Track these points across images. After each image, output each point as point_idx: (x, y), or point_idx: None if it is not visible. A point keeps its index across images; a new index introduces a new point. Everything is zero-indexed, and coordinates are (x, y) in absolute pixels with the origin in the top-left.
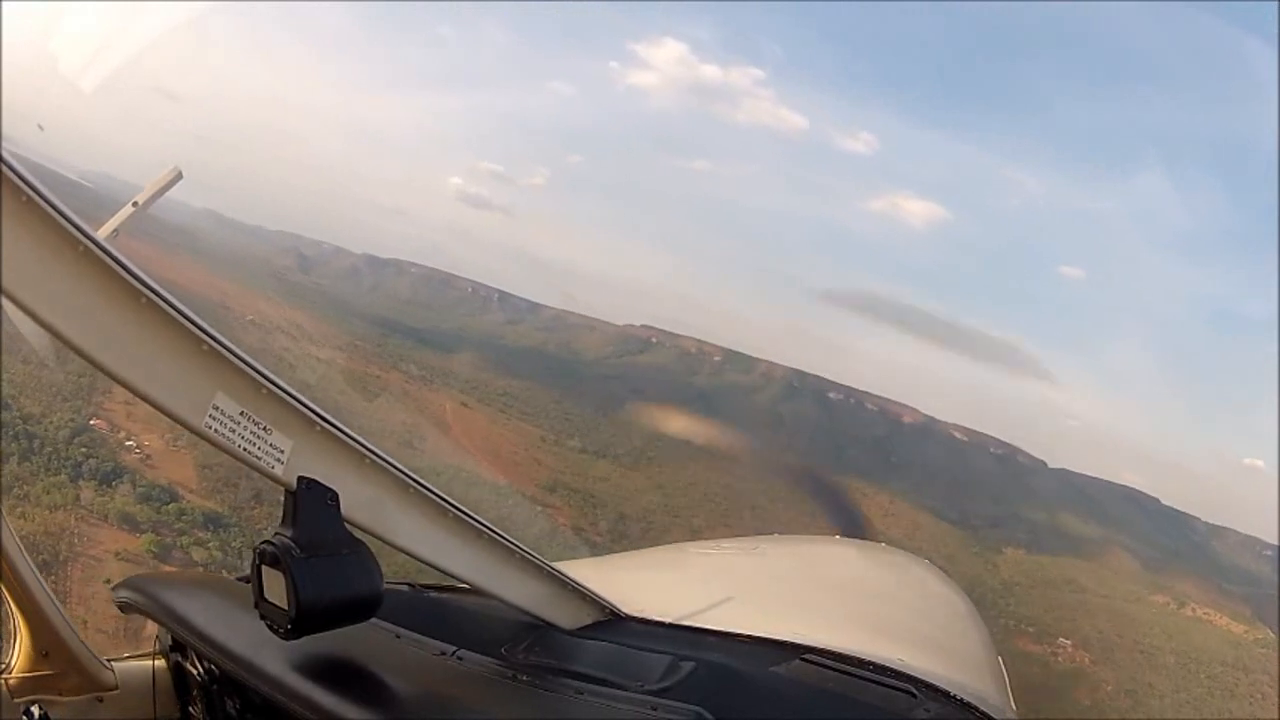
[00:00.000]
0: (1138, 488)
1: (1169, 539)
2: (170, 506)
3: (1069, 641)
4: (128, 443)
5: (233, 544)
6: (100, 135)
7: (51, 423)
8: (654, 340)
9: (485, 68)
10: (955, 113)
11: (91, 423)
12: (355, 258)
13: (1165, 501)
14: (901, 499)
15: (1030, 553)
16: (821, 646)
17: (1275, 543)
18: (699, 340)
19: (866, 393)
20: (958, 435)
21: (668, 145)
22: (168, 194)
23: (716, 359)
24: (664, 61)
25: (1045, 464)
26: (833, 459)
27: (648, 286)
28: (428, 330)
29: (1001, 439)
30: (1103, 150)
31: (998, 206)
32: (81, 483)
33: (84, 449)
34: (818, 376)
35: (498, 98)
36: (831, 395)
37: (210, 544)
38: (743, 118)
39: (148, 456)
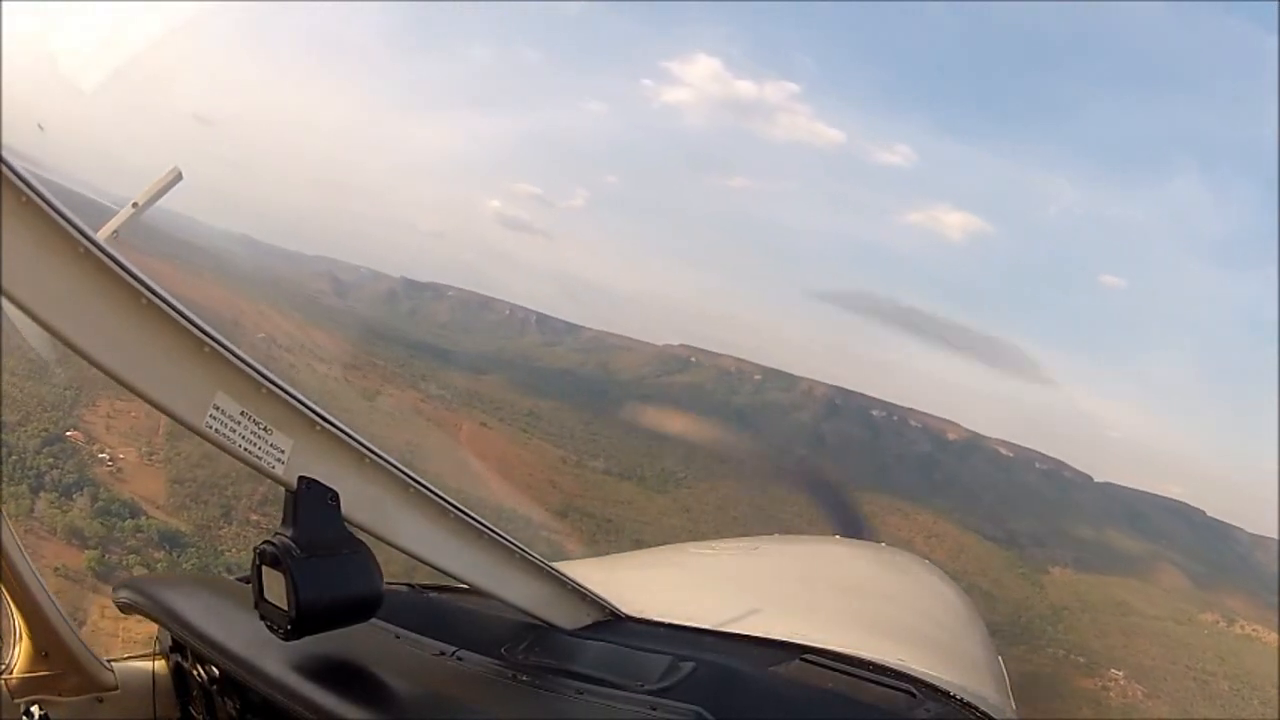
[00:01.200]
0: (1182, 499)
1: (1215, 552)
2: (127, 523)
3: (1121, 673)
4: (100, 455)
5: (184, 566)
6: (134, 161)
7: (26, 431)
8: (693, 359)
9: (519, 89)
10: (990, 123)
11: (68, 434)
12: (392, 281)
13: (1210, 513)
14: (946, 519)
15: (1078, 571)
16: (821, 646)
17: None
18: (738, 359)
19: (910, 409)
20: (1003, 451)
21: (705, 163)
22: (202, 219)
23: (757, 378)
24: (697, 78)
25: (1091, 478)
26: (877, 478)
27: (687, 305)
28: (460, 352)
29: (1047, 454)
30: (1137, 157)
31: (1035, 216)
32: (42, 494)
33: (51, 459)
34: (861, 394)
35: (533, 119)
36: (875, 413)
37: (160, 564)
38: (779, 133)
39: (119, 470)
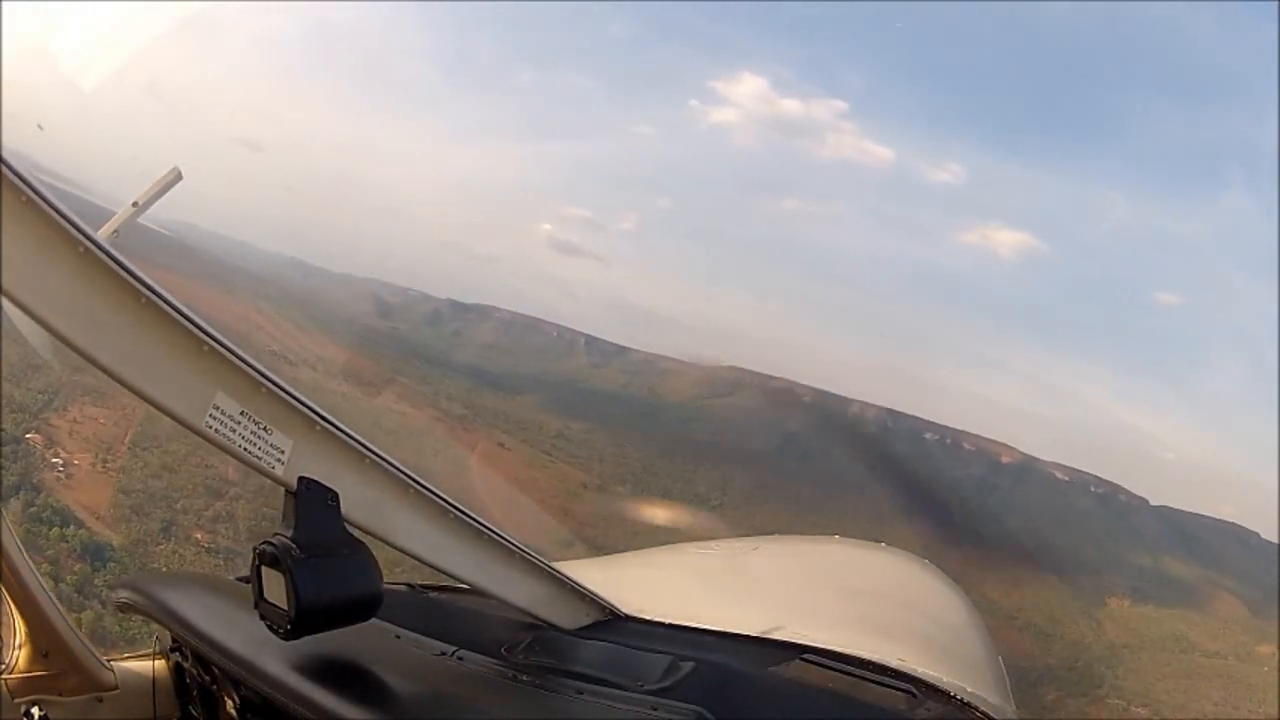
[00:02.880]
0: (1235, 520)
1: (1270, 576)
2: (53, 531)
3: None
4: (54, 459)
5: (94, 583)
6: (184, 186)
7: None
8: (742, 381)
9: (567, 114)
10: (1041, 139)
11: (28, 436)
12: (438, 303)
13: (1264, 535)
14: (1000, 547)
15: (1135, 603)
16: (821, 646)
17: None
18: (789, 380)
19: (963, 432)
20: (1058, 475)
21: (754, 185)
22: (251, 243)
23: (807, 400)
24: (744, 97)
25: (1147, 501)
26: (926, 503)
27: (739, 328)
28: (500, 373)
29: (1102, 476)
30: (1188, 170)
31: (1088, 234)
32: None
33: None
34: (913, 416)
35: (583, 143)
36: (927, 436)
37: (72, 578)
38: (827, 153)
39: (68, 476)
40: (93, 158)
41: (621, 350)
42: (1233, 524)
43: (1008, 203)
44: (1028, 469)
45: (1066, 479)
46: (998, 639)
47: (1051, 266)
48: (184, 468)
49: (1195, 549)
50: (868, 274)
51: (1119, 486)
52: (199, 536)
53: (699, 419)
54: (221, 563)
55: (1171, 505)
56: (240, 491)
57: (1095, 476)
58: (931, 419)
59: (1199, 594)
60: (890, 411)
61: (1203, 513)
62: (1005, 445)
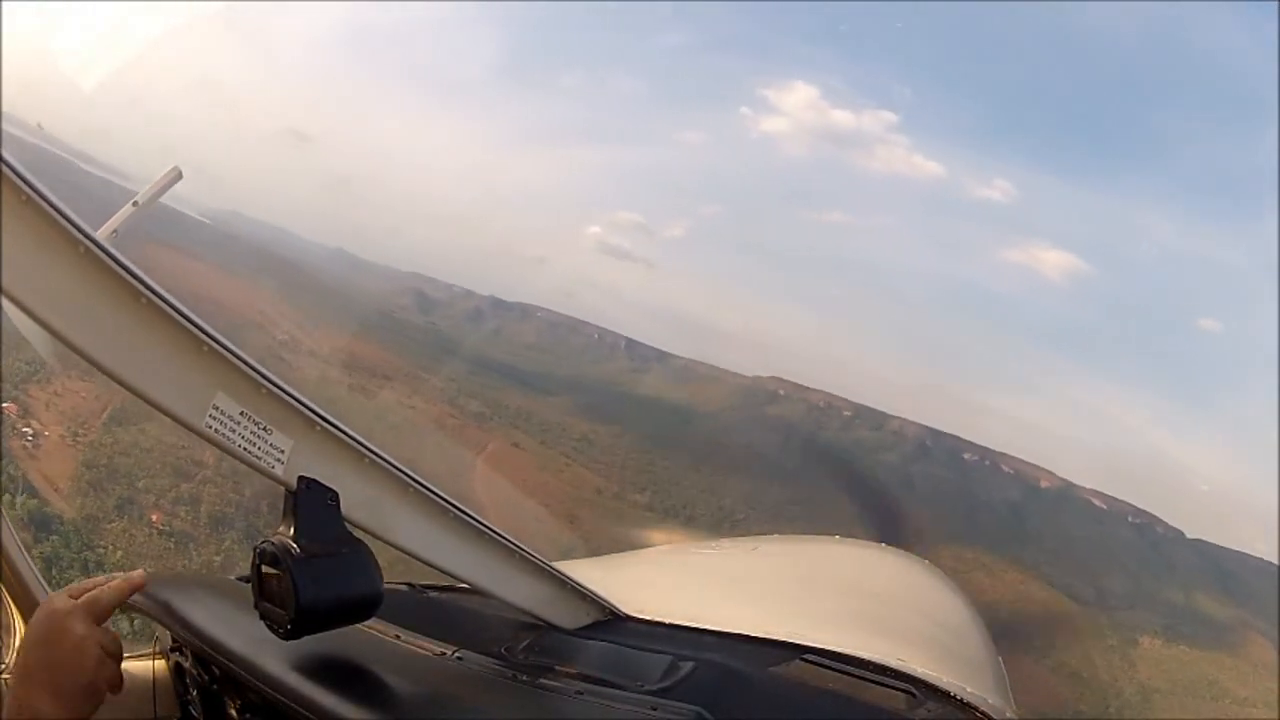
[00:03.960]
0: (1269, 559)
1: None
2: (4, 499)
3: None
4: (25, 429)
5: (31, 554)
6: (228, 174)
7: None
8: (781, 393)
9: (615, 118)
10: (1090, 158)
11: (4, 405)
12: (481, 300)
13: None
14: (1034, 575)
15: (1168, 642)
16: (821, 646)
17: None
18: (829, 394)
19: (1003, 454)
20: (1096, 502)
21: (803, 196)
22: (296, 233)
23: (846, 414)
24: (794, 107)
25: (1183, 534)
26: (964, 526)
27: (781, 339)
28: (535, 373)
29: (1139, 506)
30: (1234, 194)
31: (1134, 256)
32: None
33: None
34: (953, 436)
35: (631, 148)
36: (966, 456)
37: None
38: (877, 166)
39: (35, 447)
40: (139, 147)
41: (662, 355)
42: (1267, 561)
43: (1055, 222)
44: (1066, 495)
45: (1104, 507)
46: (1032, 684)
47: (1097, 289)
48: (157, 447)
49: (1230, 586)
50: (912, 290)
51: (1156, 518)
52: (154, 518)
53: (734, 428)
54: (173, 546)
55: (1206, 539)
56: (210, 475)
57: (1133, 506)
58: (971, 439)
59: (1232, 635)
60: (930, 430)
61: (1236, 548)
62: (1044, 469)
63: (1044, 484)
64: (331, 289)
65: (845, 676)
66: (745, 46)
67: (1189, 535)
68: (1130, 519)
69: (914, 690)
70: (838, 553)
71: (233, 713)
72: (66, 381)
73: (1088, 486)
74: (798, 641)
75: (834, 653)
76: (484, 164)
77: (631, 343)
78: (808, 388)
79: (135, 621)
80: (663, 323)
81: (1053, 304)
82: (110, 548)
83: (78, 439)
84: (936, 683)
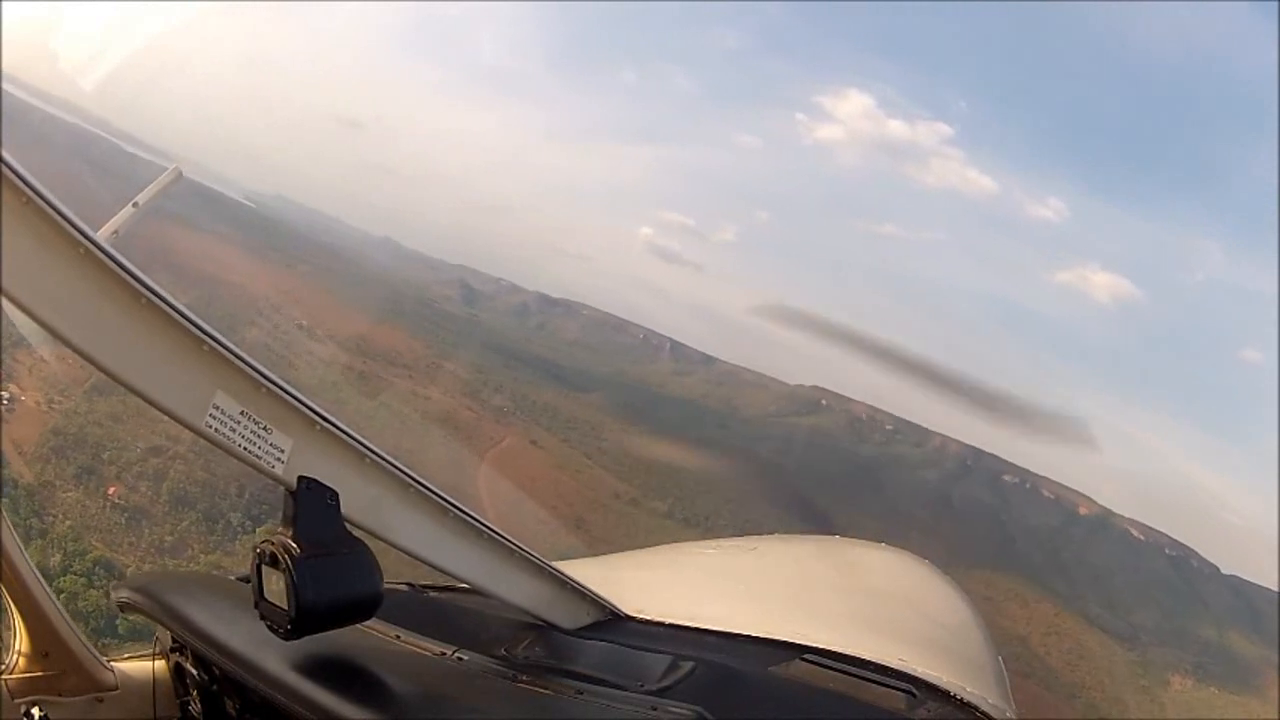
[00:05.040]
0: None
1: None
2: None
3: None
4: (2, 394)
5: None
6: (275, 158)
7: None
8: (824, 403)
9: (672, 118)
10: (1143, 181)
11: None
12: (527, 295)
13: None
14: (1069, 610)
15: (1199, 682)
16: (821, 646)
17: None
18: (872, 406)
19: (1044, 478)
20: (1134, 532)
21: (856, 206)
22: (343, 220)
23: (888, 427)
24: (849, 115)
25: (1218, 569)
26: (1001, 550)
27: (828, 349)
28: (574, 370)
29: (1176, 538)
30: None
31: (1183, 282)
32: None
33: None
34: (994, 456)
35: (686, 149)
36: (1007, 478)
37: None
38: (931, 179)
39: (9, 412)
40: (188, 130)
41: (708, 359)
42: None
43: (1107, 244)
44: (1104, 524)
45: (1142, 538)
46: None
47: (1144, 313)
48: (133, 420)
49: (1260, 626)
50: (961, 307)
51: (1192, 550)
52: (111, 490)
53: (772, 436)
54: (123, 522)
55: (1240, 575)
56: (183, 452)
57: (1170, 538)
58: (1013, 461)
59: (1261, 678)
60: (972, 449)
61: (1267, 585)
62: (1084, 496)
63: (1083, 511)
64: (370, 276)
65: (845, 676)
66: (802, 52)
67: (1224, 571)
68: (1167, 551)
69: (914, 690)
70: (838, 553)
71: (233, 713)
72: (55, 348)
73: (1126, 516)
74: (798, 641)
75: (834, 653)
76: (537, 159)
77: (677, 345)
78: (850, 399)
79: (135, 621)
80: (710, 326)
81: (1100, 327)
82: (59, 516)
83: (53, 406)
84: (936, 683)
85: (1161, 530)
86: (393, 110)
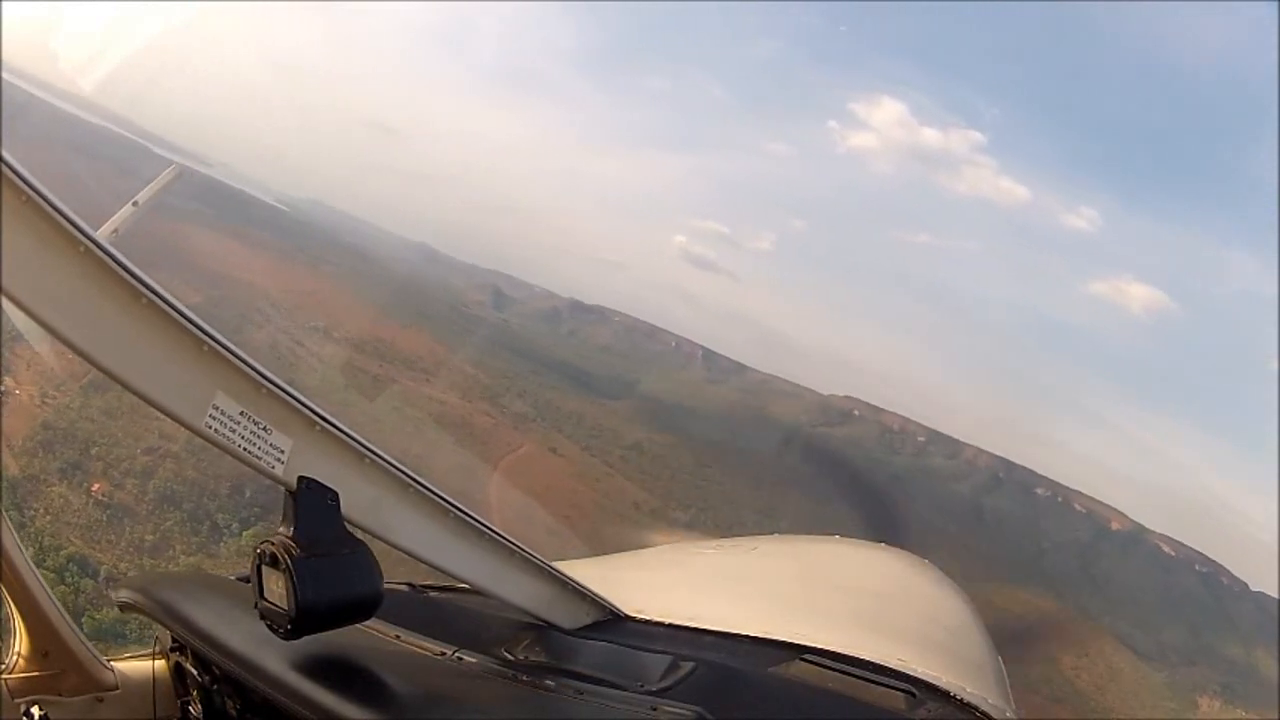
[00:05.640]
0: None
1: None
2: None
3: None
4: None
5: None
6: (310, 163)
7: None
8: (856, 413)
9: (704, 125)
10: (1177, 191)
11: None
12: (559, 301)
13: None
14: (1099, 630)
15: (1226, 703)
16: (821, 646)
17: None
18: (904, 417)
19: (1076, 491)
20: (1165, 548)
21: (889, 215)
22: (377, 225)
23: (920, 439)
24: (883, 123)
25: (1248, 586)
26: (1031, 564)
27: (861, 358)
28: (602, 377)
29: (1207, 555)
30: None
31: (1217, 293)
32: None
33: None
34: (1026, 469)
35: (719, 156)
36: (1039, 491)
37: None
38: (963, 188)
39: (3, 404)
40: (222, 134)
41: (740, 368)
42: None
43: (1141, 255)
44: (1136, 539)
45: (1173, 554)
46: None
47: (1179, 325)
48: (128, 416)
49: None
50: (995, 317)
51: (1222, 567)
52: (95, 487)
53: (804, 446)
54: (104, 520)
55: (1267, 592)
56: (176, 451)
57: (1201, 554)
58: (1044, 474)
59: None
60: (1004, 461)
61: None
62: (1116, 510)
63: (1115, 526)
64: (400, 279)
65: (845, 676)
66: (835, 59)
67: (1253, 588)
68: (1197, 567)
69: (914, 690)
70: (838, 553)
71: (233, 713)
72: (55, 344)
73: (1158, 531)
74: (798, 641)
75: (834, 653)
76: (571, 165)
77: (709, 353)
78: (882, 409)
79: (135, 621)
80: (743, 335)
81: (1134, 339)
82: (40, 511)
83: (47, 400)
84: (936, 683)
85: (1192, 546)
86: (427, 116)
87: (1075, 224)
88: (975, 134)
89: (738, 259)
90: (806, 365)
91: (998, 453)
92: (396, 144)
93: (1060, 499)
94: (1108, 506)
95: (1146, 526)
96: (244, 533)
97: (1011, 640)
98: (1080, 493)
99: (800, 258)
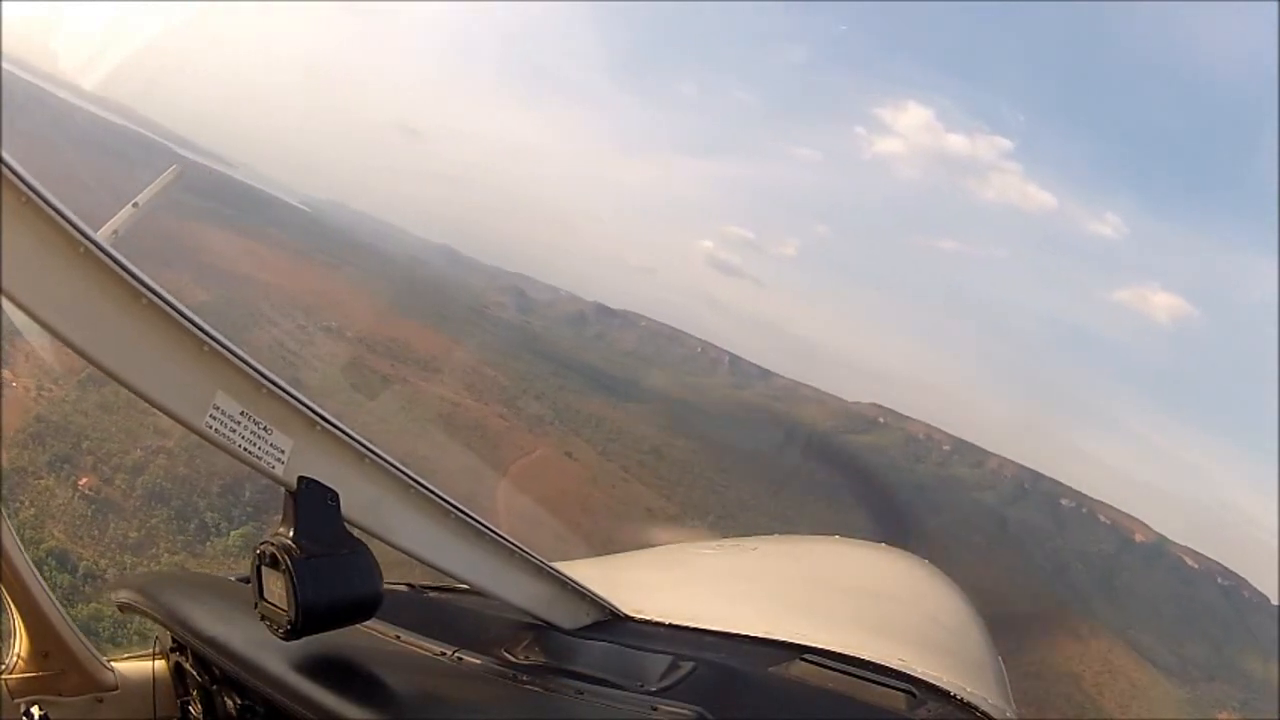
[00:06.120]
0: None
1: None
2: None
3: None
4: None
5: None
6: (333, 165)
7: None
8: (881, 420)
9: (731, 130)
10: (1203, 198)
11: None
12: (585, 305)
13: None
14: (1123, 644)
15: None
16: (821, 646)
17: None
18: (929, 425)
19: (1101, 503)
20: (1188, 560)
21: (915, 222)
22: (401, 227)
23: (945, 448)
24: (909, 128)
25: (1269, 599)
26: (1055, 577)
27: (887, 365)
28: (625, 381)
29: (1229, 568)
30: None
31: (1243, 302)
32: None
33: None
34: (1052, 479)
35: (745, 162)
36: (1064, 502)
37: None
38: (990, 194)
39: None
40: (247, 136)
41: (765, 374)
42: None
43: (1166, 263)
44: (1159, 551)
45: (1195, 566)
46: None
47: (1204, 336)
48: (124, 411)
49: None
50: (1020, 325)
51: (1244, 580)
52: (83, 481)
53: (827, 454)
54: (89, 515)
55: None
56: (170, 448)
57: (1223, 567)
58: (1069, 484)
59: None
60: (1029, 471)
61: None
62: (1139, 522)
63: (1138, 538)
64: (421, 281)
65: (845, 676)
66: (860, 64)
67: (1274, 601)
68: (1219, 580)
69: (914, 690)
70: (838, 553)
71: (233, 713)
72: (51, 342)
73: (1180, 543)
74: (798, 641)
75: (834, 653)
76: (598, 170)
77: (735, 359)
78: (908, 417)
79: (135, 621)
80: (769, 341)
81: (1158, 348)
82: (25, 503)
83: (43, 393)
84: (936, 683)
85: (1214, 559)
86: (451, 118)
87: (1100, 230)
88: (1001, 140)
89: (763, 264)
90: (832, 371)
91: (1023, 462)
92: (421, 146)
93: (1085, 510)
94: (1131, 518)
95: (1169, 538)
96: (232, 532)
97: (1030, 656)
98: (1105, 504)
99: (825, 264)
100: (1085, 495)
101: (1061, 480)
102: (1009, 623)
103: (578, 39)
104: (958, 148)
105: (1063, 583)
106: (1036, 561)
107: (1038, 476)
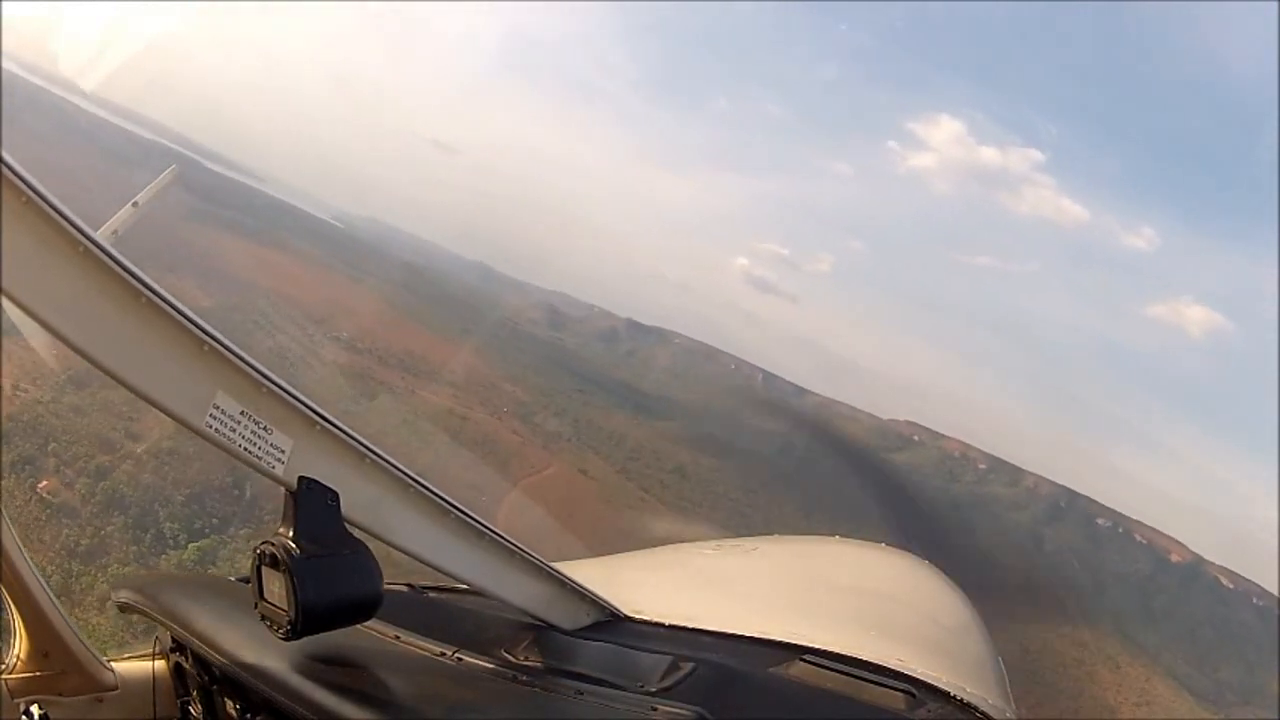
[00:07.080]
0: None
1: None
2: None
3: None
4: None
5: None
6: (368, 180)
7: None
8: (916, 438)
9: (764, 145)
10: (1237, 210)
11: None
12: (617, 322)
13: None
14: (1160, 670)
15: None
16: (821, 646)
17: None
18: (965, 443)
19: (1138, 522)
20: (1224, 580)
21: (950, 237)
22: (436, 243)
23: (981, 466)
24: (942, 142)
25: None
26: (1091, 597)
27: (921, 381)
28: (654, 396)
29: (1265, 587)
30: None
31: (1274, 314)
32: None
33: None
34: (1088, 498)
35: (779, 178)
36: (1100, 521)
37: None
38: (1024, 208)
39: None
40: (281, 151)
41: (800, 391)
42: None
43: (1200, 276)
44: (1195, 571)
45: (1231, 586)
46: None
47: (1237, 349)
48: (98, 413)
49: None
50: (1055, 341)
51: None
52: (44, 483)
53: (862, 473)
54: (44, 518)
55: None
56: (140, 454)
57: (1259, 587)
58: (1106, 503)
59: None
60: (1065, 490)
61: None
62: (1176, 541)
63: (1175, 558)
64: (450, 296)
65: (845, 676)
66: (892, 79)
67: None
68: (1255, 600)
69: (914, 690)
70: (838, 553)
71: (233, 713)
72: (49, 340)
73: (1217, 563)
74: (798, 641)
75: (833, 653)
76: (632, 186)
77: (769, 375)
78: (943, 435)
79: (135, 621)
80: (803, 357)
81: (1193, 363)
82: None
83: (17, 393)
84: (936, 683)
85: (1251, 578)
86: (486, 134)
87: (1134, 244)
88: (1034, 152)
89: (797, 281)
90: (866, 388)
91: (1059, 480)
92: (455, 161)
93: (1121, 530)
94: (1168, 537)
95: (1205, 558)
96: (190, 545)
97: (1063, 685)
98: (1141, 523)
99: (859, 280)
100: (1122, 514)
101: (1097, 498)
102: (1044, 654)
103: (610, 54)
104: (990, 161)
105: (1097, 604)
106: (1072, 584)
107: (1073, 495)
